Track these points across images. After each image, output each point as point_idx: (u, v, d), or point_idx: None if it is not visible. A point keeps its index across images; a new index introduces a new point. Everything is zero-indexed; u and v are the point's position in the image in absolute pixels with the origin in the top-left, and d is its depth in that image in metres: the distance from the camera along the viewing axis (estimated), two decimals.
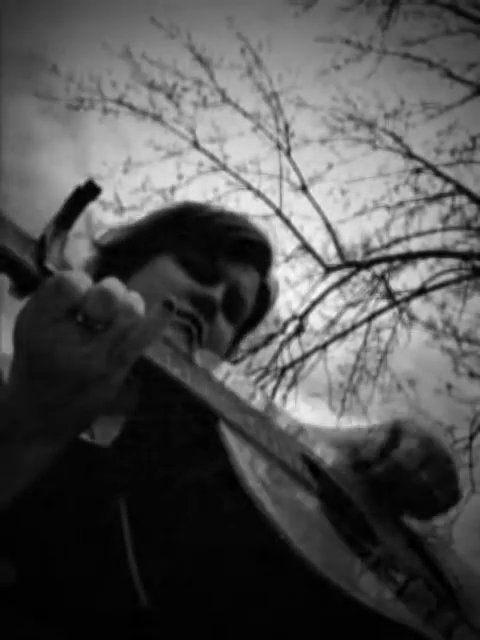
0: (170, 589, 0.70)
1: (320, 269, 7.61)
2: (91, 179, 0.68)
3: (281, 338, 7.47)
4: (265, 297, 1.16)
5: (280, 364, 7.41)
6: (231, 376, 0.94)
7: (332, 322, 7.57)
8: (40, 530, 0.74)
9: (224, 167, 7.85)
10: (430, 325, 7.45)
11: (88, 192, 0.68)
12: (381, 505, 0.92)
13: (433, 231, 7.68)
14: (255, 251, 1.09)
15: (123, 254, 1.07)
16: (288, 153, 7.82)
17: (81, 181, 0.68)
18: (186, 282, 1.00)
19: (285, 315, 7.48)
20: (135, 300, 0.66)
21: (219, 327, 1.02)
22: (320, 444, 1.01)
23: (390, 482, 0.92)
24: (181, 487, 0.74)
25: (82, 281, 0.64)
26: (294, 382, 7.39)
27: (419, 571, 0.86)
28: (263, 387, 6.71)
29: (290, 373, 7.43)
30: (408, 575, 0.79)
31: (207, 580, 0.69)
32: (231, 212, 1.13)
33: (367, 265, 7.63)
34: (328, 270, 7.61)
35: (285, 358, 7.41)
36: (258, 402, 0.94)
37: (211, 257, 1.04)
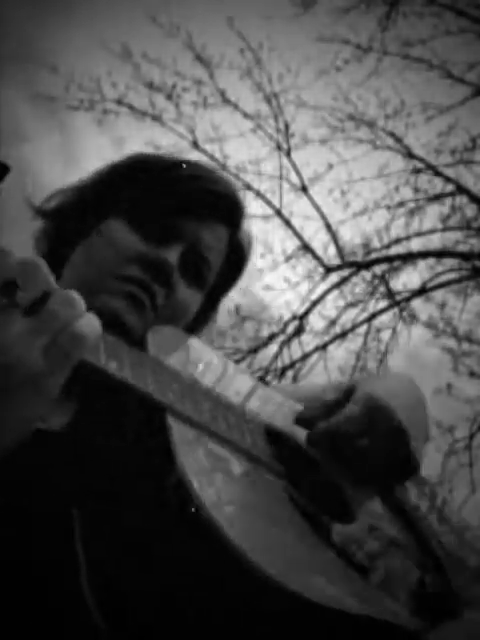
0: (125, 603, 0.64)
1: (320, 269, 7.62)
2: None
3: (281, 338, 7.48)
4: (237, 255, 1.02)
5: (280, 364, 7.42)
6: (194, 352, 0.88)
7: (332, 322, 7.57)
8: None
9: (224, 167, 7.84)
10: (430, 325, 7.45)
11: None
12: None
13: (433, 231, 7.69)
14: (218, 203, 0.94)
15: (70, 219, 0.95)
16: (288, 153, 7.82)
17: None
18: (136, 244, 0.88)
19: (285, 315, 7.49)
20: (71, 293, 0.58)
21: (179, 293, 0.91)
22: (289, 404, 0.95)
23: (327, 446, 0.84)
24: (131, 483, 0.69)
25: (7, 255, 0.55)
26: (294, 382, 7.39)
27: (400, 540, 0.83)
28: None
29: (290, 373, 7.43)
30: (387, 547, 0.77)
31: (160, 595, 0.64)
32: (189, 161, 0.99)
33: (367, 265, 7.63)
34: (328, 270, 7.61)
35: (285, 358, 7.42)
36: (223, 373, 0.89)
37: (165, 214, 0.91)
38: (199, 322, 1.01)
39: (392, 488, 0.92)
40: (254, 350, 7.39)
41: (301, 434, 0.89)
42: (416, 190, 7.76)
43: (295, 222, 7.70)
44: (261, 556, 0.60)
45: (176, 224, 0.91)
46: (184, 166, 0.96)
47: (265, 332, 7.45)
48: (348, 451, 0.84)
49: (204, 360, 0.90)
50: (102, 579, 0.64)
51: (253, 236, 1.07)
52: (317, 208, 7.65)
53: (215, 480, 0.69)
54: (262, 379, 1.00)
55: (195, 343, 0.93)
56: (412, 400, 0.96)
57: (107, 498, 0.69)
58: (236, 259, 1.03)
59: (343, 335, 7.58)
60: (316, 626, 0.60)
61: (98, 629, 0.62)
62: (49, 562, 0.65)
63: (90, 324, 0.57)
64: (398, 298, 7.54)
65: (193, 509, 0.62)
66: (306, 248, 7.62)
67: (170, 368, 0.80)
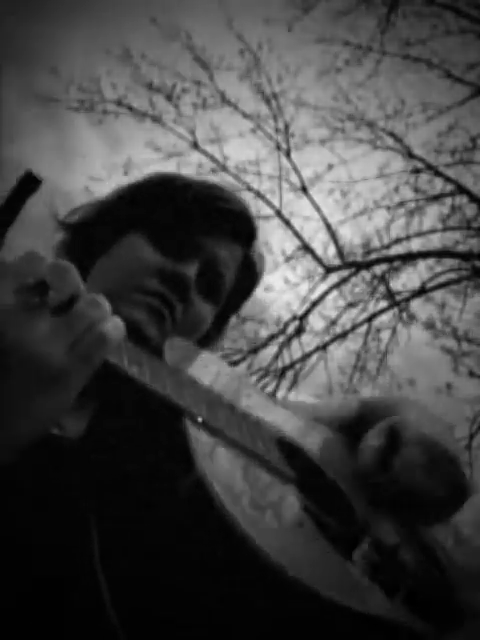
0: (140, 605, 0.65)
1: (320, 270, 7.63)
2: (31, 169, 0.62)
3: (281, 339, 7.49)
4: (250, 271, 1.06)
5: (280, 365, 7.43)
6: (203, 365, 0.90)
7: (332, 322, 7.58)
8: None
9: (224, 168, 7.86)
10: (430, 325, 7.45)
11: (29, 185, 0.62)
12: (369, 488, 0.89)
13: (433, 231, 7.69)
14: (233, 222, 1.00)
15: (92, 233, 0.99)
16: (288, 154, 7.83)
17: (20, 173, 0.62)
18: (156, 259, 0.92)
19: (285, 316, 7.50)
20: (98, 296, 0.61)
21: (195, 306, 0.94)
22: (303, 421, 0.97)
23: (393, 494, 0.86)
24: (149, 489, 0.70)
25: (41, 258, 0.59)
26: (294, 383, 7.40)
27: (406, 552, 0.84)
28: (263, 388, 6.71)
29: (290, 374, 7.44)
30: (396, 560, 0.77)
31: (178, 595, 0.65)
32: (206, 182, 1.04)
33: (367, 265, 7.63)
34: (328, 271, 7.61)
35: (285, 359, 7.43)
36: (236, 386, 0.90)
37: (184, 231, 0.95)
38: (211, 336, 1.04)
39: (444, 519, 0.93)
40: (254, 350, 7.40)
41: (310, 445, 0.91)
42: (416, 190, 7.78)
43: (295, 222, 7.72)
44: (282, 558, 0.61)
45: (194, 241, 0.96)
46: (203, 186, 1.01)
47: (265, 333, 7.47)
48: (411, 496, 0.86)
49: (217, 373, 0.92)
50: (121, 584, 0.66)
51: (264, 255, 1.12)
52: (317, 208, 7.67)
53: (235, 485, 0.70)
54: (273, 394, 1.01)
55: (209, 357, 0.95)
56: (444, 427, 0.98)
57: (124, 503, 0.71)
58: (248, 276, 1.07)
59: (343, 335, 7.59)
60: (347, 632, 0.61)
61: (117, 634, 0.64)
62: (66, 568, 0.67)
63: (115, 326, 0.61)
64: (398, 298, 7.55)
65: (212, 506, 0.63)
66: (306, 248, 7.62)
67: (187, 376, 0.82)
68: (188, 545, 0.65)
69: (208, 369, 0.91)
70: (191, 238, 0.96)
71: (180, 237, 0.95)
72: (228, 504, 0.63)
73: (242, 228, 1.02)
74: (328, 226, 7.59)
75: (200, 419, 0.74)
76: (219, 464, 0.71)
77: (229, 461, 0.73)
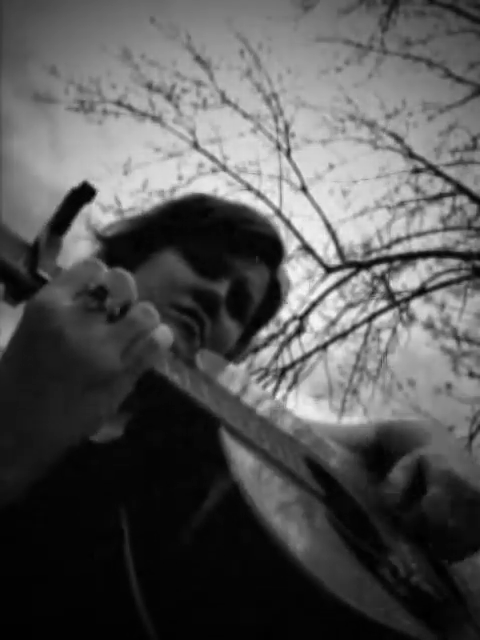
0: (174, 610, 0.67)
1: (320, 270, 7.62)
2: (86, 180, 0.64)
3: (281, 339, 7.48)
4: (275, 293, 1.11)
5: (280, 365, 7.43)
6: (235, 378, 0.92)
7: (332, 322, 7.58)
8: (32, 532, 0.70)
9: (224, 168, 7.86)
10: (430, 325, 7.45)
11: (83, 194, 0.64)
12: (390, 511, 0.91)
13: (433, 231, 7.69)
14: (264, 245, 1.05)
15: (127, 247, 1.03)
16: (288, 154, 7.82)
17: (76, 183, 0.64)
18: (189, 277, 0.96)
19: (285, 316, 7.49)
20: (150, 305, 0.63)
21: (224, 324, 0.98)
22: (326, 442, 0.99)
23: (417, 530, 0.88)
24: (182, 497, 0.71)
25: (100, 265, 0.62)
26: (294, 382, 7.40)
27: (427, 577, 0.85)
28: (263, 387, 6.71)
29: (290, 373, 7.44)
30: (415, 582, 0.78)
31: (213, 601, 0.66)
32: (240, 204, 1.09)
33: (367, 265, 7.63)
34: (328, 271, 7.61)
35: (285, 359, 7.43)
36: (261, 402, 0.92)
37: (217, 251, 1.00)
38: (233, 354, 1.07)
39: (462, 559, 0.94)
40: (254, 350, 7.39)
41: (331, 464, 0.93)
42: (416, 190, 7.78)
43: (295, 222, 7.71)
44: (317, 571, 0.62)
45: (226, 261, 1.00)
46: (237, 208, 1.06)
47: (265, 332, 7.46)
48: (435, 534, 0.87)
49: (245, 385, 0.94)
50: (152, 583, 0.67)
51: (290, 277, 1.16)
52: (317, 208, 7.67)
53: (283, 505, 0.72)
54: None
55: (236, 370, 0.97)
56: (463, 456, 0.99)
57: (158, 510, 0.72)
58: (273, 297, 1.11)
59: (343, 335, 7.59)
60: None
61: (147, 630, 0.65)
62: (98, 566, 0.69)
63: (164, 334, 0.63)
64: (398, 298, 7.54)
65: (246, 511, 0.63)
66: (306, 248, 7.62)
67: (221, 386, 0.84)
68: (222, 555, 0.66)
69: (237, 382, 0.93)
70: (223, 258, 1.00)
71: (213, 257, 0.99)
72: (262, 513, 0.64)
73: (271, 251, 1.06)
74: (328, 226, 7.59)
75: (235, 429, 0.76)
76: (251, 473, 0.72)
77: (260, 471, 0.74)
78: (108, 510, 0.72)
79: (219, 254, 1.00)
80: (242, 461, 0.72)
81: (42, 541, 0.70)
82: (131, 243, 1.04)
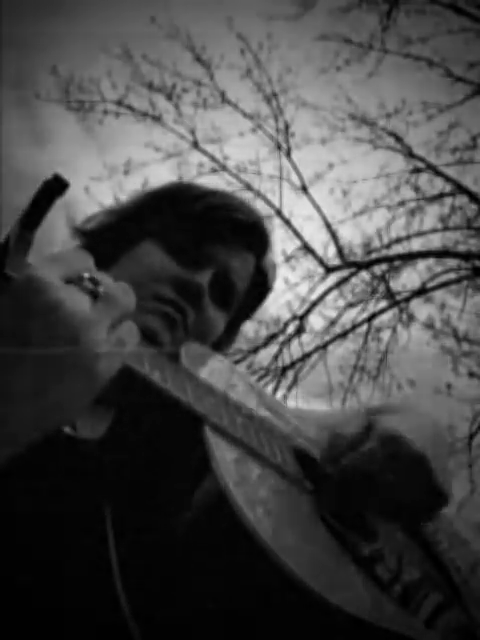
0: (157, 607, 0.67)
1: (320, 269, 7.62)
2: (58, 173, 0.60)
3: (281, 338, 7.49)
4: (262, 281, 1.09)
5: (280, 364, 7.43)
6: (220, 371, 0.91)
7: (332, 322, 7.58)
8: (15, 530, 0.68)
9: (224, 168, 7.86)
10: (430, 325, 7.45)
11: (55, 187, 0.60)
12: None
13: (433, 231, 7.69)
14: (247, 232, 1.02)
15: (107, 240, 1.00)
16: (288, 153, 7.82)
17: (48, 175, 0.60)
18: (170, 268, 0.94)
19: (285, 315, 7.50)
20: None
21: (207, 314, 0.96)
22: (311, 430, 0.98)
23: (347, 483, 0.84)
24: (167, 496, 0.71)
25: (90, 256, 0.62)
26: (294, 382, 7.40)
27: (419, 566, 0.85)
28: (264, 387, 6.71)
29: (290, 373, 7.44)
30: (406, 571, 0.78)
31: (195, 599, 0.66)
32: (221, 192, 1.06)
33: (367, 265, 7.63)
34: (328, 270, 7.61)
35: (285, 358, 7.43)
36: (247, 394, 0.91)
37: (198, 240, 0.97)
38: (222, 343, 1.05)
39: (418, 522, 0.93)
40: (254, 350, 7.40)
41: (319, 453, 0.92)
42: (416, 190, 7.77)
43: (295, 222, 7.71)
44: (302, 570, 0.62)
45: (208, 250, 0.98)
46: (218, 196, 1.03)
47: (265, 332, 7.46)
48: (374, 487, 0.84)
49: (231, 379, 0.93)
50: (135, 581, 0.67)
51: (276, 264, 1.13)
52: (317, 208, 7.66)
53: (268, 502, 0.71)
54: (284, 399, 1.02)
55: (224, 362, 0.97)
56: (431, 433, 0.96)
57: (141, 510, 0.71)
58: (260, 285, 1.09)
59: (343, 335, 7.59)
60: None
61: (130, 629, 0.65)
62: (82, 564, 0.68)
63: (130, 329, 0.60)
64: (398, 298, 7.55)
65: (229, 514, 0.64)
66: (306, 248, 7.62)
67: (205, 382, 0.83)
68: (207, 554, 0.66)
69: (223, 375, 0.92)
70: (205, 247, 0.98)
71: (194, 246, 0.97)
72: (248, 513, 0.64)
73: (255, 239, 1.04)
74: (328, 226, 7.59)
75: (219, 426, 0.75)
76: (236, 471, 0.71)
77: (245, 469, 0.74)
78: (92, 508, 0.71)
79: (200, 243, 0.97)
80: (226, 458, 0.71)
81: (25, 540, 0.69)
82: (111, 235, 1.01)
